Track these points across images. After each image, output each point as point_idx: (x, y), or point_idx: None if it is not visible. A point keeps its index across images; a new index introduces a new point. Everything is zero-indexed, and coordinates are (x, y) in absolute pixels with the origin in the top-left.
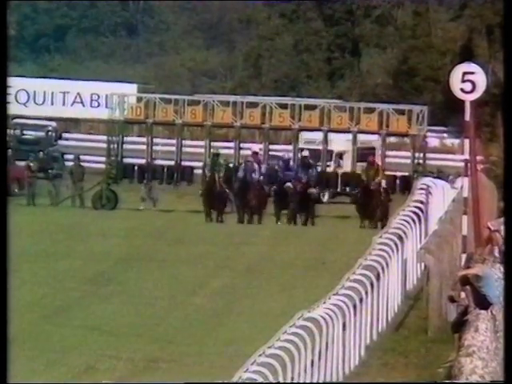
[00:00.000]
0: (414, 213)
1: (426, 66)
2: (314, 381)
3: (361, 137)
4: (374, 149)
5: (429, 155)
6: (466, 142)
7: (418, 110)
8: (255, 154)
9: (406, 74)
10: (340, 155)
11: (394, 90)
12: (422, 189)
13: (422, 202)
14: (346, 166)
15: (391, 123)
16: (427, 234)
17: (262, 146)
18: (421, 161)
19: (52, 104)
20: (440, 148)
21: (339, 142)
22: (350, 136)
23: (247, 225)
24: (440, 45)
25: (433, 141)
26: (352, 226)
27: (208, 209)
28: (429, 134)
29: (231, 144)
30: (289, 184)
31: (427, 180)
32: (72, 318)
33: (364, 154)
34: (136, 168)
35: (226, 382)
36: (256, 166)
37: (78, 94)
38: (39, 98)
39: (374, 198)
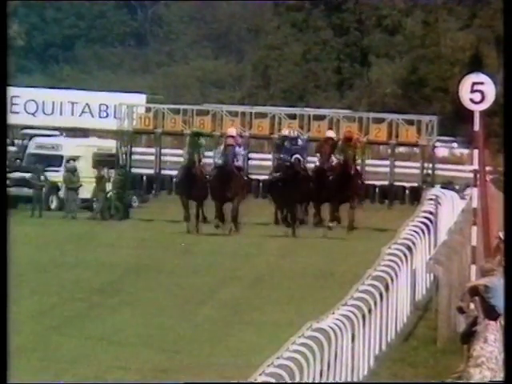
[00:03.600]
0: (424, 223)
1: (436, 75)
2: None
3: (97, 142)
4: (113, 156)
5: (438, 165)
6: (475, 152)
7: (428, 120)
8: (232, 137)
9: (415, 83)
10: (71, 160)
11: (404, 99)
12: (431, 199)
13: (431, 213)
14: (81, 171)
15: (400, 133)
16: (436, 245)
17: (239, 130)
18: (430, 171)
19: (61, 114)
20: (449, 158)
21: (71, 147)
22: (83, 141)
23: (256, 235)
24: (449, 55)
25: (442, 151)
26: (359, 237)
27: (186, 201)
28: (438, 144)
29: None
30: (297, 156)
31: (436, 190)
32: (81, 329)
33: (104, 160)
34: (144, 178)
35: (229, 382)
36: (238, 149)
37: (87, 104)
38: (48, 108)
39: (349, 186)
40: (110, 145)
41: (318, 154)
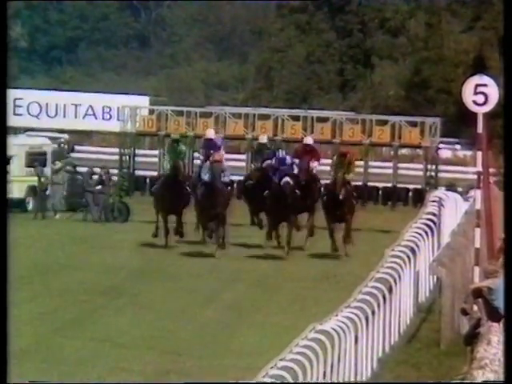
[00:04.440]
0: (427, 225)
1: (439, 77)
2: None
3: (29, 140)
4: (45, 154)
5: (441, 167)
6: (479, 154)
7: (431, 121)
8: (210, 140)
9: (418, 85)
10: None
11: (407, 101)
12: (434, 201)
13: (434, 215)
14: (13, 170)
15: (404, 135)
16: (440, 247)
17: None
18: (433, 173)
19: (64, 116)
20: (452, 160)
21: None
22: (17, 140)
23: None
24: (453, 57)
25: (445, 153)
26: (362, 239)
27: (165, 214)
28: (441, 145)
29: (243, 156)
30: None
31: (440, 192)
32: (84, 331)
33: (35, 159)
34: (148, 180)
35: (235, 382)
36: (223, 165)
37: (90, 106)
38: (51, 110)
39: (342, 205)
40: (41, 142)
41: (296, 160)
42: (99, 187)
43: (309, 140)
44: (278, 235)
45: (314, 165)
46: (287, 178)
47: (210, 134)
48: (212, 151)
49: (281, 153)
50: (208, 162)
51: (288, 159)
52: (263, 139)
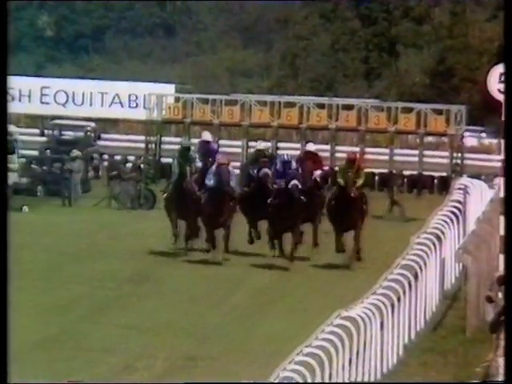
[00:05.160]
0: (452, 213)
1: (464, 66)
2: (352, 380)
3: None
4: (15, 141)
5: (466, 155)
6: (504, 142)
7: (456, 109)
8: (207, 142)
9: (443, 74)
10: None
11: (432, 89)
12: (459, 189)
13: (459, 202)
14: None
15: (429, 123)
16: (465, 234)
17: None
18: (458, 161)
19: (90, 105)
20: (478, 148)
21: None
22: None
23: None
24: (477, 45)
25: (470, 141)
26: (388, 227)
27: (175, 220)
28: (466, 133)
29: (269, 144)
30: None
31: (465, 180)
32: (111, 317)
33: None
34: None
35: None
36: (230, 169)
37: (117, 94)
38: (78, 98)
39: (352, 210)
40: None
41: (300, 169)
42: (133, 174)
43: (310, 147)
44: (281, 244)
45: (317, 173)
46: (295, 181)
47: (207, 136)
48: (209, 155)
49: (286, 157)
50: (213, 167)
51: (293, 163)
52: (260, 145)
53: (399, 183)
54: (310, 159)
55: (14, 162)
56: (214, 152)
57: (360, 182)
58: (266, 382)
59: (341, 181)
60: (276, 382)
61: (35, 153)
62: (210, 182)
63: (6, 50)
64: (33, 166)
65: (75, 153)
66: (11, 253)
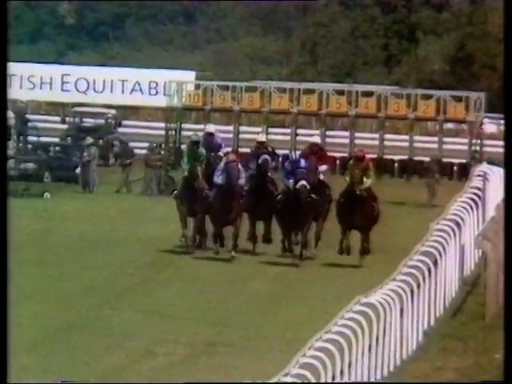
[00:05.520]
0: (472, 199)
1: (483, 53)
2: (372, 364)
3: None
4: (9, 127)
5: (486, 142)
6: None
7: (476, 96)
8: (210, 135)
9: (462, 60)
10: None
11: (451, 76)
12: (479, 175)
13: (479, 189)
14: None
15: (448, 110)
16: (485, 221)
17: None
18: (478, 147)
19: (111, 92)
20: (497, 135)
21: None
22: None
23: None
24: (496, 32)
25: (490, 127)
26: (408, 213)
27: (184, 218)
28: (486, 120)
29: (288, 130)
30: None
31: (484, 167)
32: (132, 303)
33: None
34: None
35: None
36: (239, 166)
37: (137, 81)
38: (98, 86)
39: (358, 210)
40: None
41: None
42: (159, 162)
43: (316, 139)
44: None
45: (322, 169)
46: (303, 182)
47: (211, 128)
48: (211, 148)
49: (294, 155)
50: (222, 164)
51: (302, 162)
52: (262, 138)
53: (436, 169)
54: (315, 153)
55: (9, 148)
56: (217, 145)
57: (369, 182)
58: (266, 382)
59: (347, 178)
60: (279, 382)
61: (46, 139)
62: (218, 179)
63: (6, 51)
64: (38, 152)
65: (89, 140)
66: (32, 239)
